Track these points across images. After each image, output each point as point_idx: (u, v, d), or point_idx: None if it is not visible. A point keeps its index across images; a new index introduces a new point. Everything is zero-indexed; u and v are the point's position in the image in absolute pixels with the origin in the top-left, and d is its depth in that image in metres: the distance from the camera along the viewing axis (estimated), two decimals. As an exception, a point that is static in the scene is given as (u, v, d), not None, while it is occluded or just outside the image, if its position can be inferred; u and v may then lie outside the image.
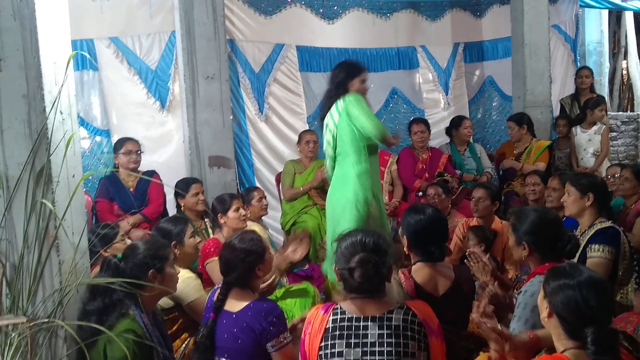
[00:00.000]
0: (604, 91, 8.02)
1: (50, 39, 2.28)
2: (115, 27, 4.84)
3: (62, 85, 2.27)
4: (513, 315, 2.25)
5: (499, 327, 1.97)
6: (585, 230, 2.93)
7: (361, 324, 1.88)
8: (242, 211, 3.55)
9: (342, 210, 3.35)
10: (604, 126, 5.49)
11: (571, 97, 6.21)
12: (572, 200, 2.98)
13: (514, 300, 2.43)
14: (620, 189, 3.98)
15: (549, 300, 1.73)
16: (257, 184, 5.29)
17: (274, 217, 5.22)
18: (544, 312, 1.76)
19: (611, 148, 6.06)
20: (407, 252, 2.58)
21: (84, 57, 4.67)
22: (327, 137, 3.49)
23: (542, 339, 2.00)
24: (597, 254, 2.78)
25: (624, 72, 9.36)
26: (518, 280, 3.15)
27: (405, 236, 2.54)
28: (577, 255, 2.64)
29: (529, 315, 2.17)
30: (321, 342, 1.88)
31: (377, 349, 1.83)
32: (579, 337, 1.66)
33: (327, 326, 1.90)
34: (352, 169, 3.35)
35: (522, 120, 5.25)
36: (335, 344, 1.86)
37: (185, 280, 2.81)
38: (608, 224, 2.88)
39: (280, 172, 5.00)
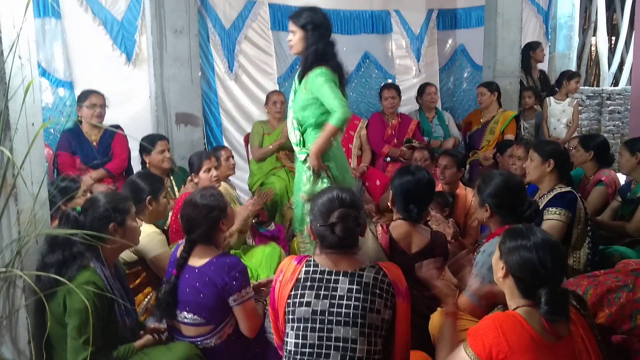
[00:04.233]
0: (572, 65, 8.13)
1: (8, -20, 2.16)
2: (79, -26, 4.62)
3: (20, 29, 2.17)
4: (471, 274, 2.32)
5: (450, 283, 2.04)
6: (544, 195, 3.01)
7: (333, 277, 1.90)
8: (213, 172, 3.50)
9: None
10: (577, 99, 5.69)
11: (524, 70, 6.30)
12: (534, 165, 3.05)
13: (473, 261, 2.50)
14: (573, 158, 4.11)
15: (505, 260, 1.78)
16: (225, 144, 5.23)
17: (241, 178, 5.19)
18: (499, 272, 1.81)
19: (577, 122, 6.25)
20: (390, 207, 2.65)
21: (45, 4, 4.45)
22: None
23: (498, 294, 2.06)
24: (553, 216, 2.87)
25: (593, 48, 9.50)
26: (478, 244, 3.24)
27: (391, 191, 2.60)
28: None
29: (486, 274, 2.24)
30: (291, 290, 1.90)
31: (344, 302, 1.85)
32: (532, 297, 1.71)
33: (299, 276, 1.92)
34: None
35: (492, 86, 5.31)
36: (304, 293, 1.89)
37: (150, 235, 2.80)
38: (567, 189, 2.96)
39: (249, 133, 4.95)
